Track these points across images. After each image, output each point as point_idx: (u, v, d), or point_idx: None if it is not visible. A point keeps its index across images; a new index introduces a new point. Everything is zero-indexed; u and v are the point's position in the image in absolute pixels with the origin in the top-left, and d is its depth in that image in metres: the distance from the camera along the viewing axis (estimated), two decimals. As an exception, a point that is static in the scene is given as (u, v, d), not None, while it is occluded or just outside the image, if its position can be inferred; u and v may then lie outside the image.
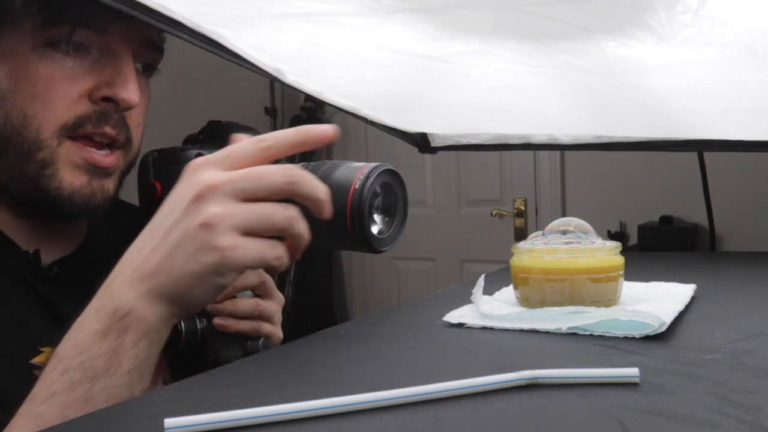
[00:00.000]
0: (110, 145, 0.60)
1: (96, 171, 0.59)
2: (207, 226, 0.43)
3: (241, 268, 0.45)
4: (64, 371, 0.44)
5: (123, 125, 0.59)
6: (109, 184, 0.60)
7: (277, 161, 0.49)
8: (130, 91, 0.57)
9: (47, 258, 0.62)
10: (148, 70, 0.64)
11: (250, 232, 0.44)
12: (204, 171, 0.45)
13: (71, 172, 0.58)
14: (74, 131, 0.57)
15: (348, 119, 3.26)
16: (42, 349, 0.57)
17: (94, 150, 0.58)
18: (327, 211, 0.46)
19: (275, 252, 0.45)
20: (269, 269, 0.48)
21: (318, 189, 0.46)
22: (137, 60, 0.61)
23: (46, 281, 0.60)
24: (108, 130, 0.58)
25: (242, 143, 0.47)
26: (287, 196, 0.45)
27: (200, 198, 0.44)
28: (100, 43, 0.57)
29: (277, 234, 0.46)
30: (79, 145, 0.58)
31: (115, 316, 0.44)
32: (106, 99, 0.58)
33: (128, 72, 0.58)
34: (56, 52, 0.56)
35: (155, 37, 0.62)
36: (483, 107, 0.87)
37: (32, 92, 0.55)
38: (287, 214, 0.45)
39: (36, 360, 0.56)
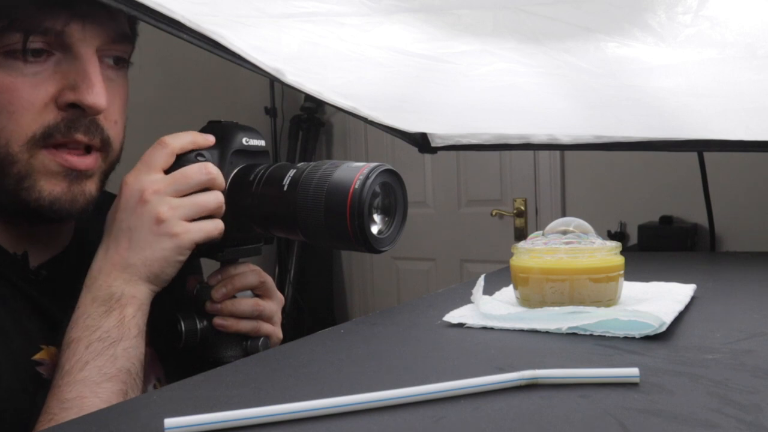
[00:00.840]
0: (86, 149, 0.58)
1: (74, 175, 0.57)
2: (161, 221, 0.55)
3: (194, 245, 0.56)
4: (87, 346, 0.53)
5: (96, 128, 0.57)
6: (90, 186, 0.59)
7: (276, 160, 0.51)
8: (95, 95, 0.55)
9: (35, 260, 0.61)
10: (120, 62, 0.60)
11: (193, 217, 0.56)
12: (140, 180, 0.56)
13: (49, 180, 0.56)
14: (44, 142, 0.55)
15: (348, 119, 3.25)
16: (41, 347, 0.57)
17: (69, 155, 0.57)
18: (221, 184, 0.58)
19: (215, 226, 0.57)
20: (213, 240, 0.58)
21: (220, 176, 0.58)
22: (105, 54, 0.58)
23: (34, 284, 0.60)
24: (79, 137, 0.56)
25: (151, 153, 0.57)
26: (208, 186, 0.57)
27: (145, 201, 0.55)
28: (60, 45, 0.55)
29: (211, 214, 0.58)
30: (53, 152, 0.56)
31: (112, 299, 0.55)
32: (73, 105, 0.55)
33: (92, 74, 0.55)
34: (15, 60, 0.53)
35: (120, 30, 0.59)
36: (483, 107, 0.87)
37: None
38: (215, 198, 0.58)
39: (37, 356, 0.57)
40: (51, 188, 0.56)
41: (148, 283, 0.56)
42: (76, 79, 0.55)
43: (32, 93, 0.54)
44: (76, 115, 0.56)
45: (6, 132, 0.54)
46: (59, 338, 0.55)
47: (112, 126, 0.60)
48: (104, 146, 0.59)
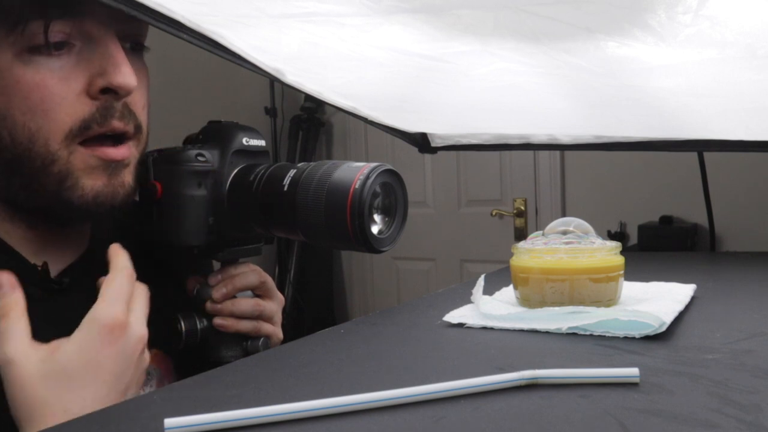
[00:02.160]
0: (121, 138, 0.57)
1: (113, 167, 0.57)
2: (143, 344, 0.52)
3: None
4: None
5: (129, 114, 0.57)
6: (128, 177, 0.59)
7: (276, 160, 0.50)
8: (125, 75, 0.54)
9: (55, 268, 0.60)
10: (137, 48, 0.60)
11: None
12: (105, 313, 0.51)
13: (89, 175, 0.56)
14: (82, 135, 0.55)
15: (348, 119, 3.25)
16: None
17: (104, 146, 0.56)
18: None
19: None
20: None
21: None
22: (124, 40, 0.58)
23: (57, 295, 0.58)
24: (116, 123, 0.56)
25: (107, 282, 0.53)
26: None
27: (118, 334, 0.50)
28: (81, 34, 0.54)
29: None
30: (89, 147, 0.56)
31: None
32: (105, 91, 0.55)
33: (117, 55, 0.55)
34: (39, 56, 0.53)
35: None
36: (483, 107, 0.87)
37: (29, 105, 0.53)
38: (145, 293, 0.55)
39: None
40: (92, 183, 0.56)
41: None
42: (102, 64, 0.54)
43: (62, 87, 0.54)
44: (109, 101, 0.55)
45: (43, 131, 0.54)
46: None
47: (141, 111, 0.59)
48: (136, 133, 0.59)
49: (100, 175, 0.56)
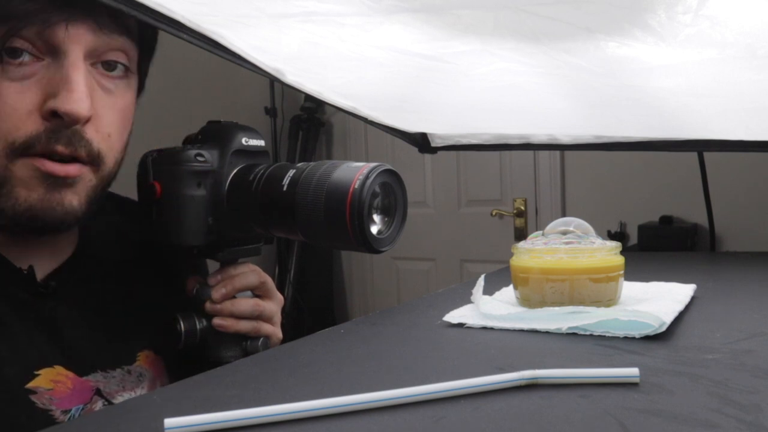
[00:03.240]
0: (71, 159, 0.54)
1: (51, 181, 0.53)
2: None
3: None
4: None
5: (80, 140, 0.53)
6: (72, 198, 0.54)
7: (276, 160, 0.49)
8: (73, 102, 0.50)
9: (41, 272, 0.59)
10: (117, 69, 0.56)
11: None
12: None
13: (25, 187, 0.53)
14: (24, 151, 0.52)
15: (348, 119, 3.24)
16: (37, 372, 0.54)
17: (47, 161, 0.53)
18: None
19: None
20: None
21: None
22: (99, 60, 0.54)
23: (44, 298, 0.58)
24: (60, 148, 0.52)
25: None
26: None
27: None
28: (48, 47, 0.51)
29: None
30: (33, 158, 0.52)
31: None
32: (54, 114, 0.51)
33: (73, 79, 0.51)
34: (4, 63, 0.50)
35: (122, 35, 0.55)
36: (483, 107, 0.87)
37: None
38: None
39: (31, 385, 0.54)
40: (27, 194, 0.53)
41: None
42: (58, 85, 0.51)
43: (17, 99, 0.51)
44: (58, 125, 0.52)
45: None
46: (66, 356, 0.55)
47: (104, 139, 0.55)
48: (92, 160, 0.55)
49: (36, 187, 0.53)
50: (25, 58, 0.51)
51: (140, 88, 0.63)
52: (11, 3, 0.50)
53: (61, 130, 0.52)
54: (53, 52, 0.52)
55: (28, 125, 0.51)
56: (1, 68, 0.51)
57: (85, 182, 0.55)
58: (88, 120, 0.53)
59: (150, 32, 0.60)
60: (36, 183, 0.53)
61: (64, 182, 0.54)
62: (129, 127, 0.60)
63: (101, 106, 0.55)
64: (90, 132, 0.54)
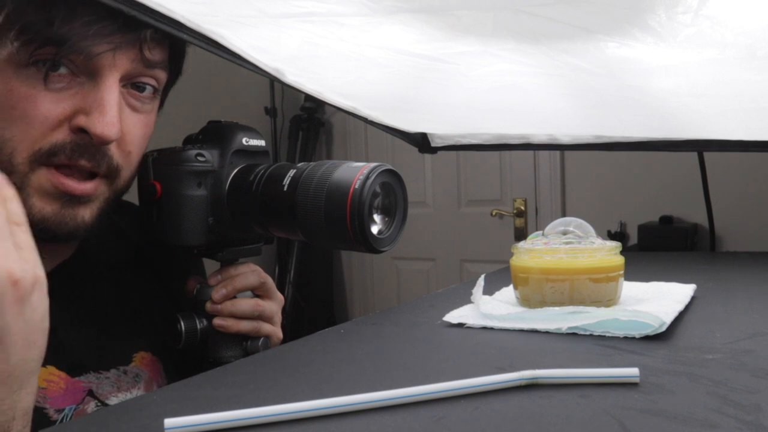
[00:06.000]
0: (89, 175, 0.55)
1: (67, 198, 0.54)
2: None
3: None
4: None
5: (102, 156, 0.55)
6: (84, 212, 0.56)
7: (276, 160, 0.49)
8: (105, 125, 0.52)
9: None
10: (147, 91, 0.58)
11: None
12: None
13: (42, 198, 0.54)
14: (47, 159, 0.53)
15: (348, 119, 3.24)
16: None
17: (67, 178, 0.54)
18: None
19: None
20: None
21: None
22: (133, 82, 0.57)
23: None
24: (83, 162, 0.54)
25: None
26: None
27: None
28: (89, 70, 0.53)
29: None
30: (53, 171, 0.54)
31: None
32: (83, 130, 0.53)
33: (107, 103, 0.53)
34: (41, 72, 0.52)
35: (155, 57, 0.57)
36: (483, 107, 0.87)
37: (12, 114, 0.52)
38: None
39: None
40: (42, 206, 0.54)
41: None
42: (91, 104, 0.53)
43: (50, 108, 0.52)
44: (85, 140, 0.53)
45: (14, 141, 0.53)
46: (59, 356, 0.55)
47: (125, 155, 0.57)
48: (110, 174, 0.56)
49: (52, 201, 0.54)
50: (63, 70, 0.53)
51: (159, 107, 0.64)
52: (62, 28, 0.51)
53: (86, 146, 0.54)
54: (92, 74, 0.53)
55: (56, 134, 0.53)
56: (40, 78, 0.52)
57: (99, 196, 0.57)
58: (106, 144, 0.55)
59: (180, 59, 0.62)
60: (53, 198, 0.54)
61: (80, 199, 0.55)
62: (146, 144, 0.61)
63: (127, 124, 0.56)
64: (113, 148, 0.56)
